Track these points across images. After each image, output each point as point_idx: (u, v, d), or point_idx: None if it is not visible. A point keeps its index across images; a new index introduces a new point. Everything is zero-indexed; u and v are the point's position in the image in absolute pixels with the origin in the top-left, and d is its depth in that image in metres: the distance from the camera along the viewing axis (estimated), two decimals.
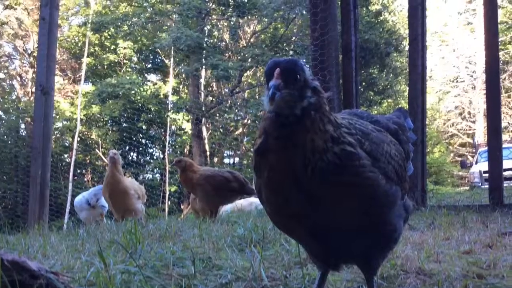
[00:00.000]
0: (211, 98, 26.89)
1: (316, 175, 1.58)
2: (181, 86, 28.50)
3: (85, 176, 25.86)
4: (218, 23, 26.47)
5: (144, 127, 26.82)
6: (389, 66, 25.58)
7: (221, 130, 27.55)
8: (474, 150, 28.06)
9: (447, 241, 3.29)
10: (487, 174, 6.81)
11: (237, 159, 29.14)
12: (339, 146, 1.62)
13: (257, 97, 26.06)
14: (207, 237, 3.57)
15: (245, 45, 25.77)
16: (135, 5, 25.82)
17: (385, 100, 27.94)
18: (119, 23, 24.49)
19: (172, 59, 24.60)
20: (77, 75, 25.84)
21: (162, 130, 26.13)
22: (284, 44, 25.62)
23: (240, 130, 27.51)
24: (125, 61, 27.05)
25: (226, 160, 29.43)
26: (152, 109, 25.75)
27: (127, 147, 25.98)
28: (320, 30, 6.18)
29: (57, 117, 23.50)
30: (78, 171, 24.37)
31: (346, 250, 1.84)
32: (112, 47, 26.39)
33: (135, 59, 28.37)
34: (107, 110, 23.39)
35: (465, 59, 33.66)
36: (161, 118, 25.56)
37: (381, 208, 1.74)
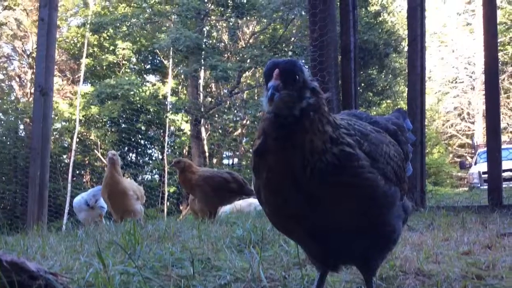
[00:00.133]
0: (210, 99, 26.85)
1: (315, 176, 1.58)
2: (180, 87, 28.49)
3: (84, 177, 25.82)
4: (217, 24, 26.48)
5: (143, 128, 26.80)
6: (388, 67, 25.61)
7: (220, 131, 27.53)
8: (473, 151, 28.09)
9: (446, 242, 3.29)
10: (486, 175, 6.81)
11: (236, 160, 29.14)
12: (338, 147, 1.62)
13: (256, 98, 26.03)
14: (206, 238, 3.57)
15: (244, 46, 25.75)
16: (134, 6, 25.82)
17: (384, 101, 27.95)
18: (118, 24, 24.49)
19: (171, 60, 24.57)
20: (76, 76, 25.82)
21: (161, 131, 26.12)
22: (283, 45, 25.61)
23: (239, 131, 27.50)
24: (124, 62, 27.01)
25: (225, 161, 29.43)
26: (151, 110, 25.73)
27: (126, 148, 25.96)
28: (319, 31, 6.18)
29: (56, 118, 23.47)
30: (77, 172, 24.34)
31: (345, 251, 1.84)
32: (111, 48, 26.36)
33: (134, 60, 28.34)
34: (106, 111, 23.37)
35: (464, 60, 33.69)
36: (160, 119, 25.55)
37: (380, 209, 1.74)
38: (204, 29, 25.19)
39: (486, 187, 6.91)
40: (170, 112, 24.63)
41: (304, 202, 1.63)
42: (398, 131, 2.15)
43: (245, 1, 23.73)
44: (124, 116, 24.60)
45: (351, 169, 1.62)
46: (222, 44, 26.98)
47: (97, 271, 2.26)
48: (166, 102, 24.74)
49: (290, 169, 1.59)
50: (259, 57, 22.50)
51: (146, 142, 27.92)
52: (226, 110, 26.66)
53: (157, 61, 29.00)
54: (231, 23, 25.89)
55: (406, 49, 8.37)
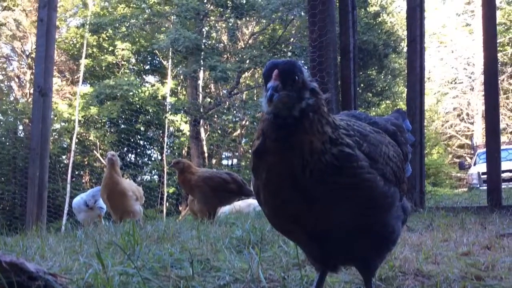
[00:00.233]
0: (209, 100, 26.85)
1: (314, 176, 1.57)
2: (179, 88, 28.49)
3: (83, 177, 25.81)
4: (216, 25, 26.48)
5: (142, 128, 26.80)
6: (387, 68, 25.63)
7: (219, 132, 27.52)
8: (472, 152, 28.06)
9: (446, 242, 3.29)
10: (485, 176, 6.79)
11: (235, 161, 29.14)
12: (337, 148, 1.62)
13: (255, 98, 26.03)
14: (205, 239, 3.57)
15: (243, 46, 25.76)
16: (133, 7, 25.82)
17: (383, 102, 27.98)
18: (117, 25, 24.48)
19: (170, 60, 24.56)
20: (75, 77, 25.82)
21: (160, 131, 26.13)
22: (283, 46, 25.63)
23: (238, 131, 27.51)
24: (123, 62, 27.01)
25: (224, 162, 29.44)
26: (150, 110, 25.73)
27: (125, 149, 25.96)
28: (319, 32, 6.18)
29: (55, 118, 23.46)
30: (76, 172, 24.34)
31: (344, 252, 1.84)
32: (110, 48, 26.36)
33: (133, 60, 28.32)
34: (105, 111, 23.37)
35: (463, 60, 33.75)
36: (159, 120, 25.54)
37: (379, 210, 1.74)
38: (203, 29, 25.19)
39: (485, 187, 6.91)
40: (169, 112, 24.62)
41: (304, 202, 1.62)
42: (397, 131, 2.15)
43: (244, 1, 23.73)
44: (123, 116, 24.60)
45: (350, 169, 1.62)
46: (221, 44, 26.99)
47: (96, 271, 2.26)
48: (165, 103, 24.73)
49: (290, 169, 1.58)
50: (258, 57, 22.52)
51: (145, 143, 27.93)
52: (225, 111, 26.67)
53: (156, 62, 29.01)
54: (230, 24, 25.90)
55: (405, 49, 8.36)
